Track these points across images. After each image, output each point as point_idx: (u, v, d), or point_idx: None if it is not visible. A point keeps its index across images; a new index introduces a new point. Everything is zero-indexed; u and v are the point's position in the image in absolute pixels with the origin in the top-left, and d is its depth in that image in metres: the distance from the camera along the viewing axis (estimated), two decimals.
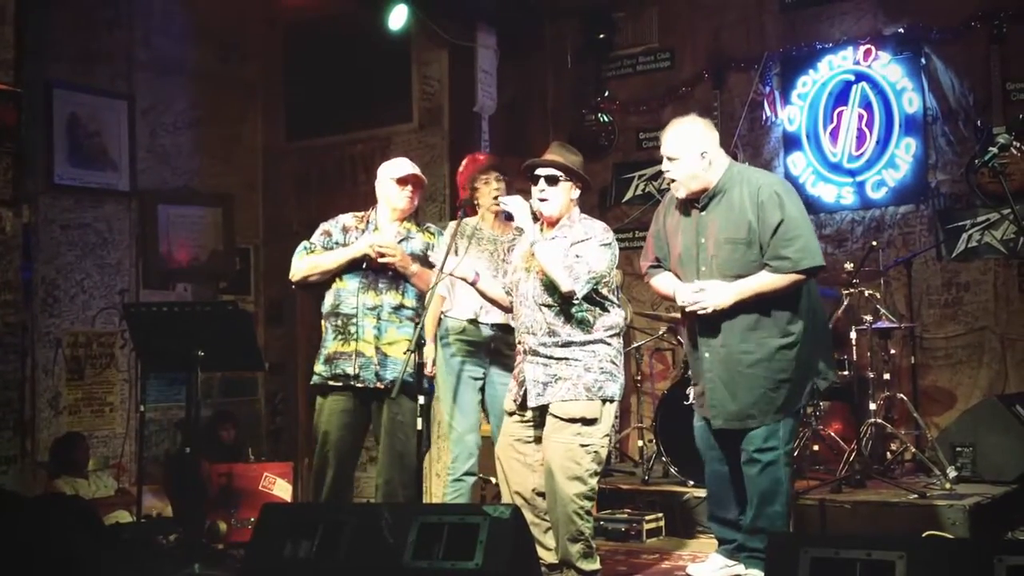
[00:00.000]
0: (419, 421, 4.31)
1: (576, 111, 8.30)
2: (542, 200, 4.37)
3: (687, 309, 4.47)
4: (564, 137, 8.32)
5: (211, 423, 7.13)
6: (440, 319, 5.26)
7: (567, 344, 4.29)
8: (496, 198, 4.93)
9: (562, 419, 4.26)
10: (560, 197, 4.38)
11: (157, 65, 7.61)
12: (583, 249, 4.29)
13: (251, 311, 7.90)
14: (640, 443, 7.03)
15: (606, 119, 8.16)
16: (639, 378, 7.10)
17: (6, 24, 5.96)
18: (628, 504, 6.07)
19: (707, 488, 4.82)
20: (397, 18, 7.09)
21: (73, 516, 4.83)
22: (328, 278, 4.74)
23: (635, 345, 7.06)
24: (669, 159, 4.45)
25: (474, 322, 5.13)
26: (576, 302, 4.27)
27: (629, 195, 8.10)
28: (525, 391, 4.36)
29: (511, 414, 4.50)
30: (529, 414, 4.41)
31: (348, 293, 4.70)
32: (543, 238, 4.35)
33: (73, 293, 7.06)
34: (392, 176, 4.76)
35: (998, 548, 2.99)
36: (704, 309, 4.38)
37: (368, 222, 4.84)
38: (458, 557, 3.59)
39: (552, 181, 4.36)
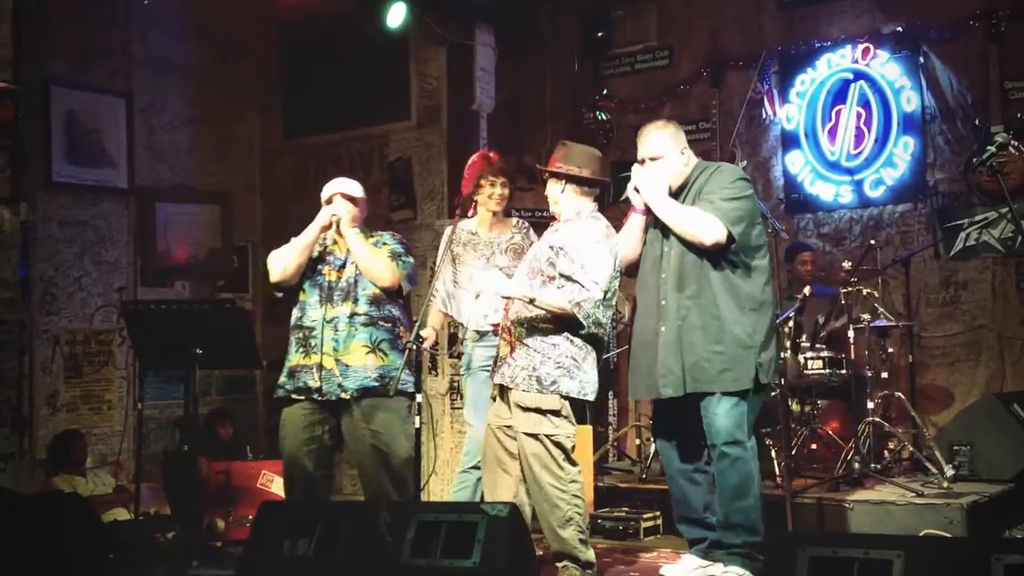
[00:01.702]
0: (416, 419, 4.32)
1: (575, 109, 8.30)
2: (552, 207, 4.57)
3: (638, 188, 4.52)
4: (562, 135, 8.32)
5: (209, 421, 7.13)
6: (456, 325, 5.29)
7: (531, 328, 4.34)
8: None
9: (522, 408, 4.32)
10: (552, 195, 4.52)
11: (155, 62, 7.60)
12: (579, 265, 4.27)
13: (249, 309, 7.90)
14: (638, 441, 7.04)
15: (604, 117, 8.15)
16: None
17: (3, 21, 5.97)
18: (625, 502, 6.08)
19: (669, 490, 4.80)
20: (395, 16, 7.08)
21: (71, 514, 4.83)
22: (303, 265, 4.75)
23: None
24: (652, 159, 4.52)
25: (481, 331, 5.11)
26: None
27: (627, 193, 8.08)
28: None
29: (493, 399, 4.57)
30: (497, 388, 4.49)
31: (309, 306, 4.75)
32: (536, 286, 4.36)
33: (71, 291, 7.05)
34: (324, 197, 4.87)
35: (995, 547, 2.99)
36: (642, 187, 4.46)
37: (325, 237, 4.88)
38: (456, 555, 3.60)
39: (545, 183, 4.58)
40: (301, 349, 4.73)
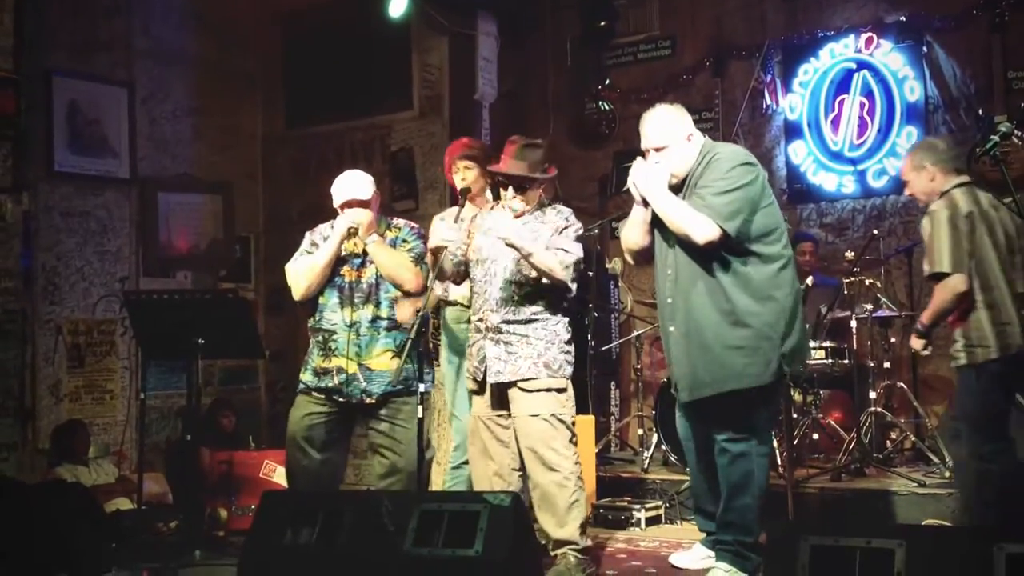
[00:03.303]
0: (419, 409, 4.32)
1: (577, 99, 8.29)
2: (514, 202, 4.55)
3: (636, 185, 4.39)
4: (564, 125, 8.33)
5: (211, 410, 7.13)
6: (440, 307, 5.25)
7: (530, 321, 4.41)
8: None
9: (531, 392, 4.37)
10: (529, 200, 4.55)
11: (156, 53, 7.60)
12: (564, 241, 4.44)
13: (251, 299, 7.90)
14: (640, 431, 7.04)
15: (607, 107, 8.14)
16: (639, 367, 7.10)
17: (5, 12, 5.97)
18: (627, 492, 6.09)
19: (690, 480, 4.81)
20: (397, 6, 7.07)
21: (74, 503, 4.84)
22: (326, 279, 4.70)
23: (635, 334, 7.06)
24: (656, 150, 4.36)
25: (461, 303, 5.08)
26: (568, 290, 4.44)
27: (627, 185, 8.07)
28: (485, 368, 4.45)
29: (476, 393, 4.58)
30: (489, 390, 4.49)
31: (328, 309, 4.69)
32: (522, 234, 4.40)
33: (73, 281, 7.06)
34: (336, 204, 4.74)
35: (998, 536, 2.99)
36: (640, 183, 4.32)
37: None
38: (458, 544, 3.60)
39: (521, 190, 4.53)
40: (322, 352, 4.69)
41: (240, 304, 5.10)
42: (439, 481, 5.69)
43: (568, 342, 4.50)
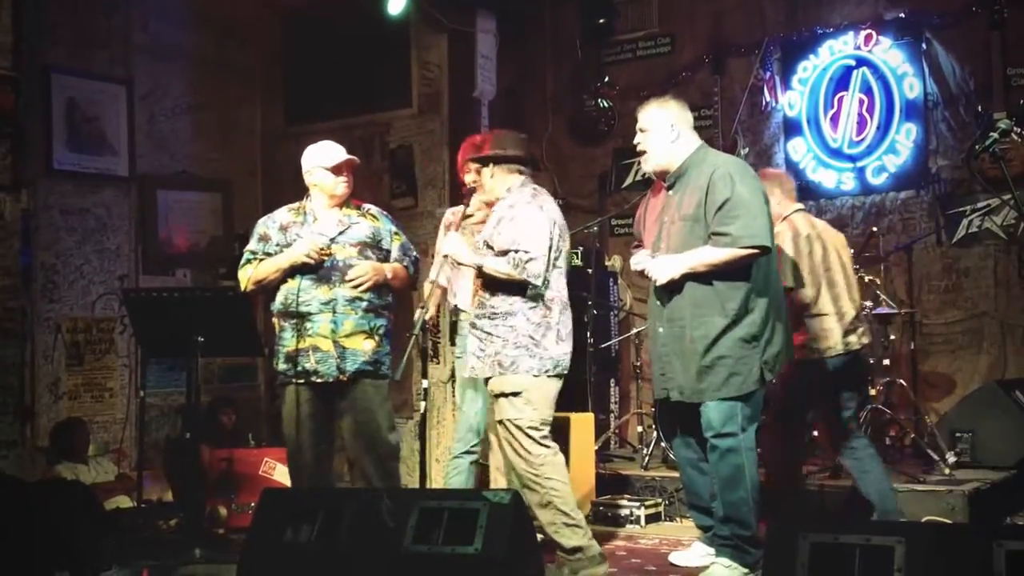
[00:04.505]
0: (423, 405, 4.34)
1: (576, 96, 8.28)
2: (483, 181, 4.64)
3: (634, 268, 4.64)
4: (564, 122, 8.33)
5: (211, 408, 7.13)
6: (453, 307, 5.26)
7: (492, 316, 4.39)
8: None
9: (494, 395, 4.40)
10: (486, 182, 4.59)
11: (155, 50, 7.59)
12: (514, 232, 4.34)
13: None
14: (639, 428, 7.04)
15: (606, 104, 8.13)
16: (639, 364, 7.10)
17: (4, 9, 5.96)
18: (627, 490, 6.09)
19: (680, 476, 4.83)
20: (396, 3, 7.07)
21: (73, 501, 4.84)
22: (279, 283, 4.72)
23: (635, 331, 7.06)
24: (641, 131, 4.55)
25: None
26: (535, 284, 4.32)
27: (629, 180, 8.09)
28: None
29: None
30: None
31: (300, 291, 4.64)
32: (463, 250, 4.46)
33: (72, 279, 7.06)
34: (324, 166, 4.70)
35: (997, 533, 2.99)
36: (655, 279, 4.42)
37: (305, 213, 4.78)
38: (458, 542, 3.60)
39: (476, 171, 4.68)
40: (296, 333, 4.67)
41: (239, 301, 5.10)
42: (439, 479, 5.70)
43: (528, 335, 4.34)
